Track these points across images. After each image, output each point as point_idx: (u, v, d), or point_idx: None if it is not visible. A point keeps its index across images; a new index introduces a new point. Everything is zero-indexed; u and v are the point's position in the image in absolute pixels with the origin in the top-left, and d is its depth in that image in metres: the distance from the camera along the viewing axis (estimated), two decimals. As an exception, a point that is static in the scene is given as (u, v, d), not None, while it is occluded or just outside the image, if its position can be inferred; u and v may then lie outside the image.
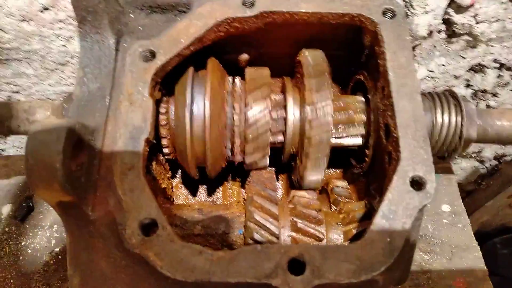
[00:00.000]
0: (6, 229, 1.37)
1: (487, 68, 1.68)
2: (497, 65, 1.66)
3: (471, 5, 1.34)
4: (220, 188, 1.21)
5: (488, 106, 1.87)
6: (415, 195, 0.75)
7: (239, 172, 1.19)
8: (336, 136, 0.98)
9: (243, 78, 1.01)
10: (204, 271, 0.69)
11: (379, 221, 0.73)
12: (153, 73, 0.84)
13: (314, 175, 0.95)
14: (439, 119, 0.98)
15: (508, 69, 1.69)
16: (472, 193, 2.43)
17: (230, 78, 1.01)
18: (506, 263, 2.02)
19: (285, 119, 0.97)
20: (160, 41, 0.87)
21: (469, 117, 0.99)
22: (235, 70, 1.06)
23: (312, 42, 1.01)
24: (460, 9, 1.37)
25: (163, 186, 1.00)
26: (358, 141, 1.00)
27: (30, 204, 1.41)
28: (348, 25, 0.94)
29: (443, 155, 1.05)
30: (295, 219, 0.90)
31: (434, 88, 1.76)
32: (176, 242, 0.71)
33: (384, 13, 0.91)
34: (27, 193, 1.45)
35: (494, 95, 1.82)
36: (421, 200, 0.74)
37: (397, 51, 0.87)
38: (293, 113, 0.96)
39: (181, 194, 1.19)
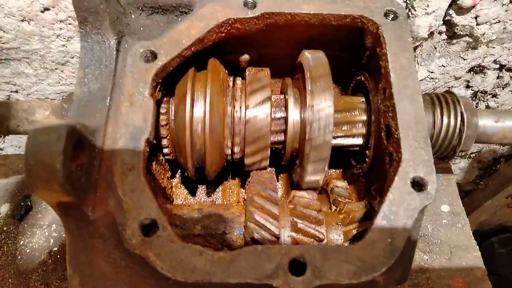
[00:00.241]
0: (5, 228, 1.37)
1: (487, 69, 1.68)
2: (497, 66, 1.67)
3: (473, 7, 1.34)
4: (220, 188, 1.20)
5: (487, 107, 1.88)
6: (416, 196, 0.75)
7: (238, 172, 1.18)
8: (337, 136, 0.98)
9: (243, 78, 1.01)
10: (205, 272, 0.69)
11: (380, 222, 0.73)
12: (154, 73, 0.84)
13: (314, 176, 0.95)
14: (439, 121, 0.98)
15: (508, 70, 1.69)
16: (471, 193, 2.44)
17: (230, 79, 1.00)
18: (503, 263, 2.02)
19: (285, 120, 0.96)
20: (161, 42, 0.86)
21: (469, 118, 0.99)
22: (236, 70, 1.06)
23: (313, 43, 1.00)
24: (461, 10, 1.37)
25: (162, 186, 1.00)
26: (359, 141, 1.00)
27: (29, 203, 1.40)
28: (350, 26, 0.94)
29: (443, 156, 1.05)
30: (295, 219, 0.90)
31: (434, 89, 1.76)
32: (177, 243, 0.71)
33: (386, 15, 0.91)
34: (26, 192, 1.44)
35: (494, 96, 1.83)
36: (422, 201, 0.75)
37: (399, 53, 0.87)
38: (293, 114, 0.96)
39: (180, 194, 1.19)
